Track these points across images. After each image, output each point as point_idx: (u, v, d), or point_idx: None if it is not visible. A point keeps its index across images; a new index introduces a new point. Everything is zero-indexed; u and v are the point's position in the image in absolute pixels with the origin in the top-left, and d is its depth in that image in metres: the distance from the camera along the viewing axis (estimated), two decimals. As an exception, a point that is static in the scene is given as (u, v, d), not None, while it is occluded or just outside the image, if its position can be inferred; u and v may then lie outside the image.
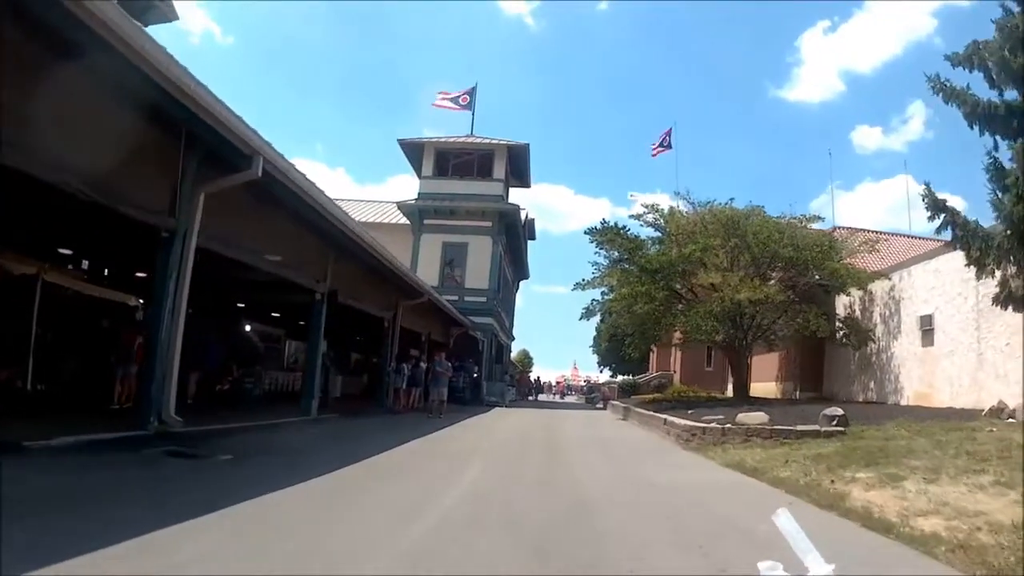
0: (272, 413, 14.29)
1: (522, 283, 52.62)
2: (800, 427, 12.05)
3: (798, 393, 25.66)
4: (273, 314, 24.35)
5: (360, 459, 8.17)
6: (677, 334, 25.14)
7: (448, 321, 29.58)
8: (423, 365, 21.41)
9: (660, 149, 40.12)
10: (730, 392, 31.51)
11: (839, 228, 27.13)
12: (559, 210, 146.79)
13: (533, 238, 49.10)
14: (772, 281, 20.49)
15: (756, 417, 13.18)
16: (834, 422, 12.32)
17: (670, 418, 14.67)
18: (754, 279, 19.79)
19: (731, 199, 22.26)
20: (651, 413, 17.64)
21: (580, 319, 23.05)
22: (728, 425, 12.55)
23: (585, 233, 21.68)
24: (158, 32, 8.37)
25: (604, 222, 21.41)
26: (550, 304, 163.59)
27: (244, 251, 11.49)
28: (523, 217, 38.29)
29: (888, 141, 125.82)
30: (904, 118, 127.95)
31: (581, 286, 22.25)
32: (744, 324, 21.31)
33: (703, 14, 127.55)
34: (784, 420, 13.17)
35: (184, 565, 3.47)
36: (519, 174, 37.04)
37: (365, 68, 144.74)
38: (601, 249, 21.82)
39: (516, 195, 36.87)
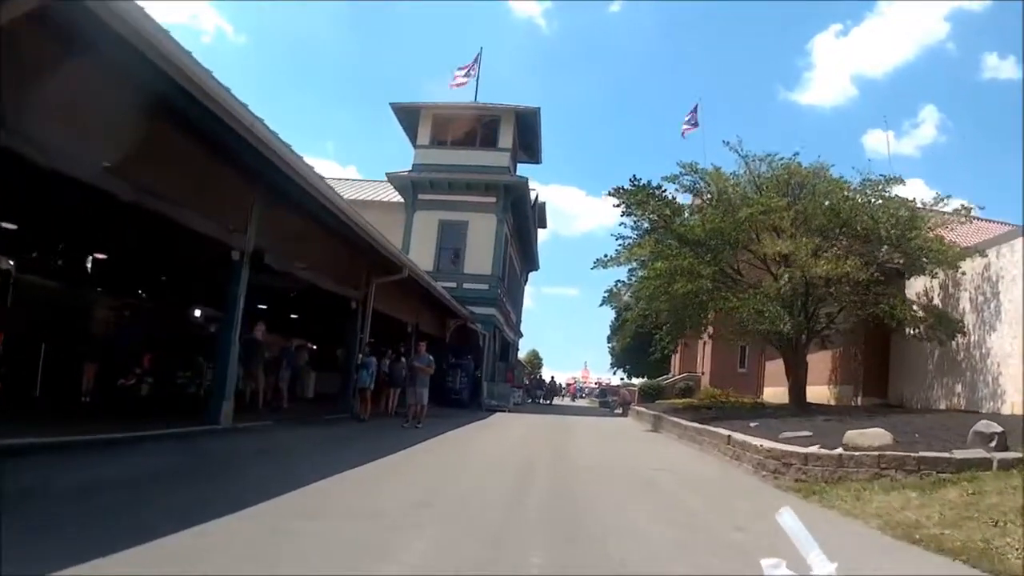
0: (166, 420, 9.98)
1: (532, 280, 48.34)
2: (958, 454, 7.78)
3: (860, 399, 21.04)
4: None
5: (164, 533, 3.75)
6: (710, 327, 20.70)
7: (443, 310, 25.07)
8: (404, 360, 16.95)
9: (689, 127, 35.97)
10: (766, 396, 27.24)
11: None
12: (571, 211, 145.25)
13: (544, 226, 44.78)
14: (833, 256, 15.90)
15: (874, 436, 8.83)
16: (992, 443, 8.20)
17: (736, 435, 10.20)
18: (827, 252, 15.25)
19: (796, 153, 17.66)
20: (697, 425, 13.15)
21: (601, 305, 18.61)
22: (840, 451, 8.12)
23: (609, 195, 17.18)
24: None
25: (634, 180, 16.89)
26: (561, 305, 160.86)
27: (76, 161, 7.07)
28: (533, 197, 33.85)
29: (900, 145, 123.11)
30: (916, 122, 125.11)
31: (603, 263, 17.72)
32: (808, 310, 16.76)
33: (713, 16, 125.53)
34: (908, 439, 8.96)
35: None
36: (528, 146, 32.54)
37: (376, 68, 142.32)
38: (629, 215, 17.29)
39: (526, 174, 32.09)
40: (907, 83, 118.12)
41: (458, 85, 30.87)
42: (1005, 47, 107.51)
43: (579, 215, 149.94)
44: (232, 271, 10.81)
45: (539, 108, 29.79)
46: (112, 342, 13.68)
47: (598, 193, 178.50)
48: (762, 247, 15.51)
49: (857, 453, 7.91)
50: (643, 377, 61.88)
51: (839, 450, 8.18)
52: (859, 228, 16.07)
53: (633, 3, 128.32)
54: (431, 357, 14.87)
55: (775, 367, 28.85)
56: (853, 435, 8.85)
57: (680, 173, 17.88)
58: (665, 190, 16.98)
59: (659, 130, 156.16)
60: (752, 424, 12.44)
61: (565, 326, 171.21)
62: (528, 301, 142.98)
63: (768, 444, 8.73)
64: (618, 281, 18.05)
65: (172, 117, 8.23)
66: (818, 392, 22.81)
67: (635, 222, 17.62)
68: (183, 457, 7.57)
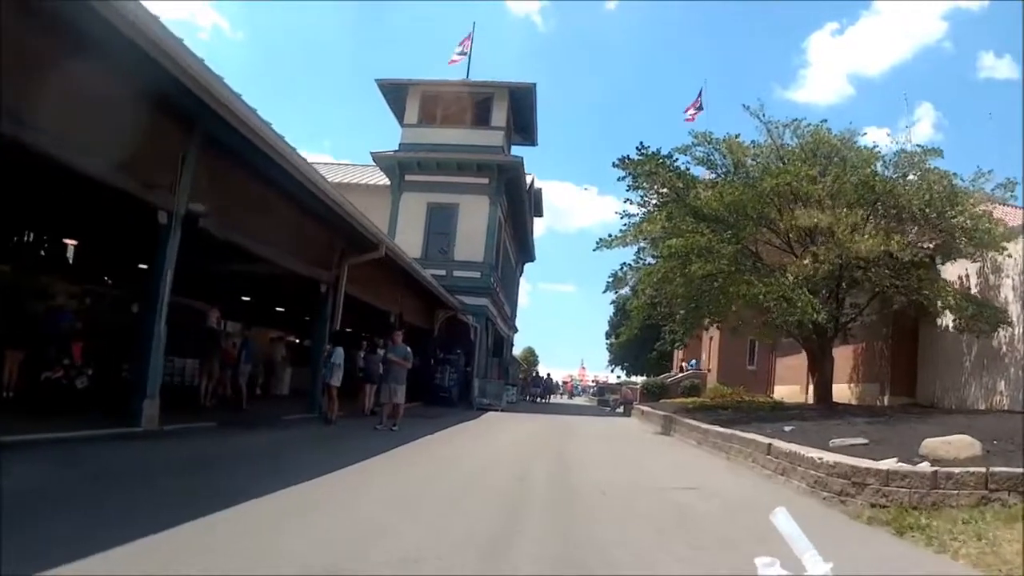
0: (80, 421, 8.06)
1: (528, 275, 46.20)
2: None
3: (887, 398, 19.06)
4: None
5: None
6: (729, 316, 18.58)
7: (430, 299, 23.02)
8: (381, 352, 14.92)
9: (694, 112, 34.15)
10: (778, 395, 25.27)
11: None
12: (568, 207, 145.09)
13: (540, 214, 42.66)
14: (872, 231, 13.86)
15: (961, 446, 6.96)
16: (1117, 455, 6.38)
17: (779, 444, 8.20)
18: (864, 228, 13.27)
19: (824, 120, 15.70)
20: (721, 430, 11.13)
21: (604, 291, 16.53)
22: (927, 467, 6.15)
23: (614, 165, 15.20)
24: None
25: (641, 148, 14.90)
26: (558, 302, 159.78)
27: None
28: (528, 181, 31.82)
29: (896, 144, 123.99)
30: (912, 120, 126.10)
31: (606, 243, 15.75)
32: (840, 297, 14.84)
33: (709, 15, 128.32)
34: (998, 448, 7.04)
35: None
36: (523, 127, 30.46)
37: (371, 66, 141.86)
38: (636, 189, 15.34)
39: (521, 157, 29.86)
40: (904, 82, 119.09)
41: (454, 61, 29.19)
42: (1002, 46, 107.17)
43: (576, 211, 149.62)
44: (158, 237, 8.81)
45: (534, 84, 27.75)
46: (38, 329, 11.68)
47: (593, 186, 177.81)
48: (795, 220, 13.47)
49: (956, 470, 5.94)
50: (642, 375, 59.76)
51: (925, 465, 6.22)
52: (893, 204, 14.10)
53: (629, 2, 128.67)
54: (409, 349, 12.84)
55: (787, 364, 26.89)
56: (935, 444, 6.91)
57: (692, 144, 15.93)
58: (676, 160, 15.05)
59: (655, 127, 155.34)
60: (786, 428, 10.47)
61: (561, 323, 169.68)
62: (524, 298, 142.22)
63: (830, 457, 6.74)
64: (624, 264, 16.03)
65: (58, 32, 6.26)
66: (838, 391, 20.81)
67: (642, 197, 15.66)
68: (52, 473, 5.56)
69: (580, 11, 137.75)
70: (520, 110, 28.70)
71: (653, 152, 14.88)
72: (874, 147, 15.43)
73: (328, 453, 8.34)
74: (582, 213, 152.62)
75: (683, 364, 41.27)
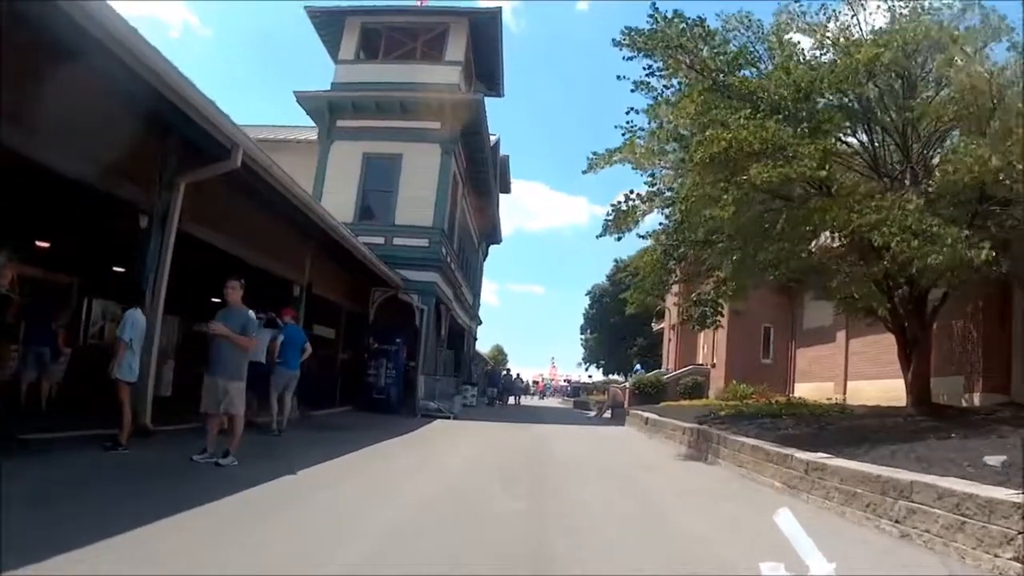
0: None
1: (497, 276, 40.55)
2: None
3: (977, 396, 13.80)
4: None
5: None
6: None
7: (361, 273, 17.20)
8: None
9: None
10: (799, 394, 20.05)
11: None
12: (535, 208, 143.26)
13: (507, 191, 37.05)
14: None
15: None
16: None
17: None
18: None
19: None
20: (867, 470, 5.65)
21: (600, 236, 10.80)
22: None
23: (615, 44, 9.80)
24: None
25: (656, 13, 9.52)
26: (526, 303, 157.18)
27: None
28: (493, 140, 26.32)
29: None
30: None
31: (604, 159, 10.30)
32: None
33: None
34: None
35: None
36: (487, 71, 24.78)
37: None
38: (651, 77, 9.94)
39: (480, 96, 23.95)
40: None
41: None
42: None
43: (545, 212, 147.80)
44: None
45: (499, 9, 22.08)
46: None
47: (563, 187, 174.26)
48: (952, 69, 8.10)
49: None
50: (619, 373, 54.50)
51: None
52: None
53: (600, 3, 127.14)
54: (251, 314, 7.09)
55: (812, 356, 21.67)
56: None
57: (723, 28, 10.51)
58: (706, 22, 9.77)
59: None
60: (990, 460, 5.19)
61: (531, 324, 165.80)
62: (492, 297, 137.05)
63: None
64: (630, 195, 10.40)
65: None
66: (899, 386, 15.42)
67: (658, 96, 10.25)
68: None
69: (551, 12, 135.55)
70: (482, 45, 23.00)
71: (674, 15, 9.54)
72: (1004, 17, 10.10)
73: None
74: (552, 214, 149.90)
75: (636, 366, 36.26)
